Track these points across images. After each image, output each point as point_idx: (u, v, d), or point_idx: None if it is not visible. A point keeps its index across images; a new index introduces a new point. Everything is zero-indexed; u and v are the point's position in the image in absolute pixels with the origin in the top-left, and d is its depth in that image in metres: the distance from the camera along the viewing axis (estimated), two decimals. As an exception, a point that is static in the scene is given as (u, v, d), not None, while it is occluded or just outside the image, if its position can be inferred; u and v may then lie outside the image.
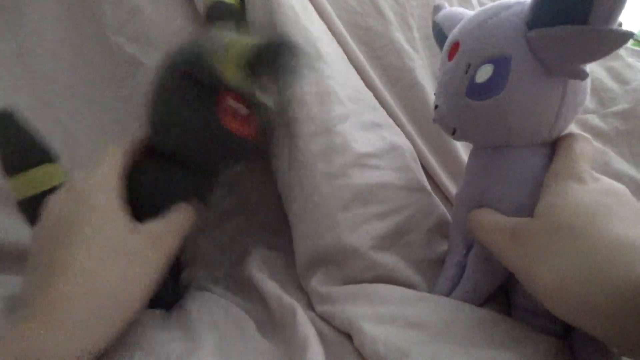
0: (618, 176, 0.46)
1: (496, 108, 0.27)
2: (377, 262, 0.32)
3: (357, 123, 0.37)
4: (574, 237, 0.22)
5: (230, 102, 0.29)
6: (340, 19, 0.45)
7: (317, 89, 0.35)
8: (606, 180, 0.25)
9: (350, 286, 0.32)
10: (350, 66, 0.42)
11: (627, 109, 0.50)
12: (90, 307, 0.23)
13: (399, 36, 0.46)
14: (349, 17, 0.45)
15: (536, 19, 0.25)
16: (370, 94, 0.41)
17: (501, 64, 0.26)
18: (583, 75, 0.25)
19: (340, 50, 0.42)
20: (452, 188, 0.44)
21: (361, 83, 0.42)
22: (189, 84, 0.28)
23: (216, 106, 0.29)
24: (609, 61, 0.54)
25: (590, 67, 0.53)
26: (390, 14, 0.46)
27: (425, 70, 0.47)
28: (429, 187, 0.39)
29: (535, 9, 0.25)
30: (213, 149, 0.30)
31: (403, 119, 0.44)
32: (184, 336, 0.28)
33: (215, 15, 0.35)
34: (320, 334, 0.29)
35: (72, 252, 0.24)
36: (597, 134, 0.50)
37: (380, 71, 0.46)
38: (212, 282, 0.37)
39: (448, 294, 0.31)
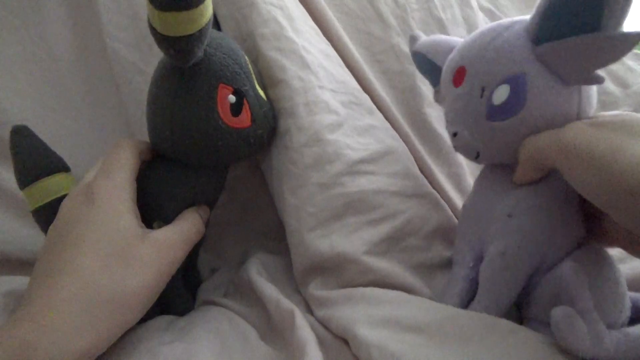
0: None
1: (520, 125, 0.27)
2: (371, 267, 0.32)
3: (351, 128, 0.37)
4: None
5: (229, 95, 0.29)
6: (341, 23, 0.45)
7: (306, 99, 0.35)
8: None
9: (348, 289, 0.32)
10: (347, 70, 0.42)
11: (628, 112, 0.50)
12: (89, 311, 0.23)
13: (400, 40, 0.46)
14: (350, 21, 0.45)
15: (544, 33, 0.25)
16: (367, 97, 0.41)
17: (517, 83, 0.26)
18: (600, 80, 0.25)
19: (335, 54, 0.42)
20: (449, 190, 0.44)
21: (358, 87, 0.42)
22: (186, 81, 0.28)
23: (216, 102, 0.29)
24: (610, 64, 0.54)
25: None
26: (390, 18, 0.46)
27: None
28: (430, 190, 0.38)
29: (541, 23, 0.25)
30: (216, 147, 0.30)
31: (401, 122, 0.44)
32: (185, 339, 0.28)
33: None
34: (319, 338, 0.29)
35: (78, 255, 0.24)
36: (598, 137, 0.50)
37: (379, 75, 0.46)
38: (214, 288, 0.37)
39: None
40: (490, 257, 0.30)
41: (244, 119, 0.30)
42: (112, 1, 0.40)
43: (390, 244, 0.33)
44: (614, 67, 0.54)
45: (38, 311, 0.22)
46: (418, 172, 0.39)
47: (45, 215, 0.30)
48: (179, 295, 0.34)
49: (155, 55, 0.40)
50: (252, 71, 0.32)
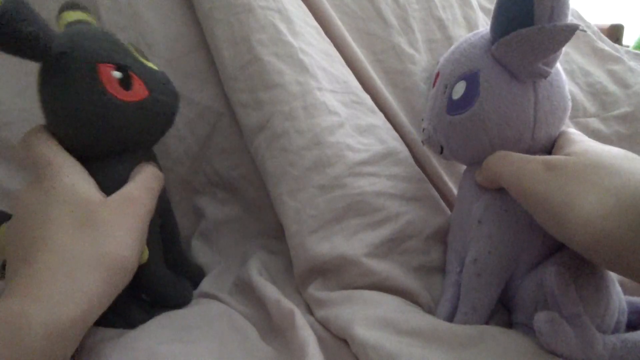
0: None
1: (473, 118, 0.29)
2: (371, 269, 0.32)
3: (352, 128, 0.37)
4: (615, 174, 0.22)
5: (112, 72, 0.28)
6: (341, 23, 0.45)
7: (304, 103, 0.35)
8: None
9: (348, 291, 0.32)
10: (349, 70, 0.42)
11: (629, 112, 0.50)
12: (73, 278, 0.23)
13: (401, 40, 0.46)
14: (351, 21, 0.45)
15: (496, 34, 0.28)
16: (368, 97, 0.41)
17: (471, 79, 0.29)
18: (545, 73, 0.27)
19: (337, 54, 0.42)
20: (454, 188, 0.44)
21: (359, 86, 0.42)
22: (63, 74, 0.27)
23: (101, 82, 0.28)
24: (611, 65, 0.54)
25: (591, 71, 0.54)
26: (391, 18, 0.46)
27: (426, 73, 0.47)
28: (431, 192, 0.38)
29: (493, 26, 0.28)
30: (123, 126, 0.29)
31: (405, 121, 0.44)
32: (184, 339, 0.28)
33: None
34: (319, 338, 0.29)
35: (48, 231, 0.24)
36: (599, 137, 0.50)
37: (381, 75, 0.46)
38: (214, 287, 0.37)
39: (449, 315, 0.31)
40: (465, 265, 0.31)
41: (139, 90, 0.29)
42: (111, 1, 0.40)
43: (391, 247, 0.33)
44: (615, 67, 0.54)
45: (24, 284, 0.22)
46: (419, 174, 0.39)
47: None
48: (171, 285, 0.34)
49: (155, 56, 0.40)
50: (132, 50, 0.31)
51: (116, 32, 0.39)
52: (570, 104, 0.30)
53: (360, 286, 0.32)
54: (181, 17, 0.41)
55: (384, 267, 0.32)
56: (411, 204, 0.36)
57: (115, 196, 0.27)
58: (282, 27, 0.38)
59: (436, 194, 0.39)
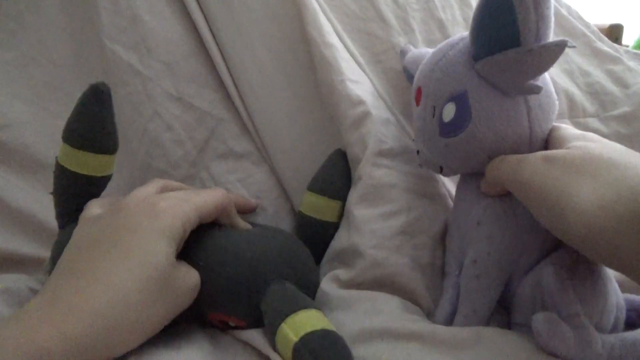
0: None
1: (469, 139, 0.28)
2: (377, 262, 0.32)
3: (377, 119, 0.38)
4: (614, 166, 0.22)
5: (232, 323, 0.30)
6: (341, 24, 0.45)
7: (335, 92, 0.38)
8: None
9: (350, 293, 0.32)
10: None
11: (628, 112, 0.50)
12: (112, 330, 0.22)
13: (401, 40, 0.46)
14: (350, 22, 0.46)
15: (479, 51, 0.27)
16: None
17: (461, 100, 0.28)
18: (537, 90, 0.26)
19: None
20: (452, 189, 0.44)
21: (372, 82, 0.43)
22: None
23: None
24: (610, 65, 0.54)
25: (590, 71, 0.54)
26: (391, 18, 0.46)
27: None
28: (440, 191, 0.39)
29: (475, 42, 0.27)
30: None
31: (403, 122, 0.44)
32: (168, 345, 0.27)
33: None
34: None
35: (119, 267, 0.24)
36: (599, 137, 0.50)
37: (381, 75, 0.46)
38: None
39: (448, 317, 0.31)
40: (465, 266, 0.31)
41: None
42: (111, 3, 0.40)
43: (402, 240, 0.34)
44: (614, 67, 0.53)
45: (62, 318, 0.21)
46: (430, 173, 0.40)
47: (69, 178, 0.30)
48: None
49: (154, 58, 0.40)
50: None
51: (116, 35, 0.40)
52: (557, 102, 0.30)
53: (366, 281, 0.33)
54: (181, 21, 0.41)
55: (390, 261, 0.33)
56: (422, 199, 0.36)
57: (184, 276, 0.27)
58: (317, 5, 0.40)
59: (446, 192, 0.39)
